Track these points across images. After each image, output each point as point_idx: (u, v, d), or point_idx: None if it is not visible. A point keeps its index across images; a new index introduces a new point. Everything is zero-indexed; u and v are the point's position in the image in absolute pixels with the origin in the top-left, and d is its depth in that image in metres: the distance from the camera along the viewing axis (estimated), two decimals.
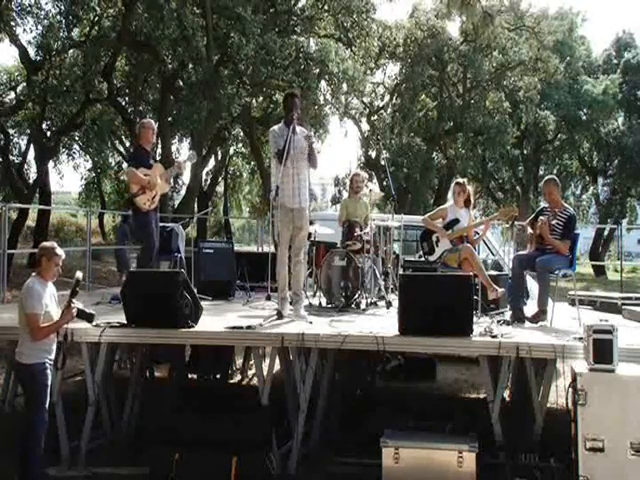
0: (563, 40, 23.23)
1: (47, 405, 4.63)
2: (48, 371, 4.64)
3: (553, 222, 6.13)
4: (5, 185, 17.90)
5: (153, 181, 6.82)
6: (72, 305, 4.68)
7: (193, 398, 6.98)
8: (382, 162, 23.03)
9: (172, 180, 22.60)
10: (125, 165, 20.98)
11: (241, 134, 20.22)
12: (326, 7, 15.62)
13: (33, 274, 4.69)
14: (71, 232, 23.80)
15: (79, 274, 4.75)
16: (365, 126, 24.54)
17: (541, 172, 26.30)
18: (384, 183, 21.69)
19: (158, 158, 14.96)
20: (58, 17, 14.68)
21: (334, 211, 13.31)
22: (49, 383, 4.65)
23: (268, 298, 7.40)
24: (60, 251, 4.71)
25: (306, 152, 6.25)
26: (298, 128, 6.28)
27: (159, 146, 16.56)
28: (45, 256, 4.65)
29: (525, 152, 26.16)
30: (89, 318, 4.92)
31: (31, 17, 14.41)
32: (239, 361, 8.75)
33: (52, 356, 4.73)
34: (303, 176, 6.28)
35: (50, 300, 4.66)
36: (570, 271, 6.27)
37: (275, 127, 6.41)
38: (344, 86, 16.51)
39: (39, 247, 4.80)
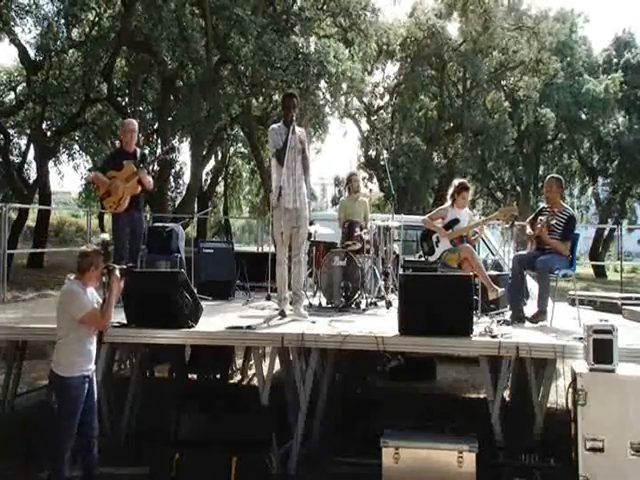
0: (564, 41, 23.21)
1: (77, 420, 4.23)
2: (86, 385, 4.28)
3: (552, 222, 6.13)
4: (5, 185, 17.89)
5: (115, 184, 6.47)
6: (110, 268, 4.37)
7: (193, 398, 6.96)
8: (382, 162, 23.03)
9: (173, 181, 22.54)
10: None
11: (241, 134, 20.21)
12: (325, 8, 15.62)
13: (71, 277, 4.36)
14: (71, 232, 23.79)
15: (105, 235, 4.50)
16: (365, 126, 24.60)
17: (541, 172, 26.31)
18: (384, 183, 21.71)
19: None
20: (57, 17, 14.70)
21: (334, 211, 13.30)
22: (83, 399, 4.26)
23: (268, 298, 7.43)
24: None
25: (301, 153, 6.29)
26: (297, 128, 6.29)
27: (159, 146, 16.56)
28: (93, 265, 4.30)
29: (525, 152, 26.16)
30: (128, 271, 4.67)
31: (30, 17, 14.47)
32: (239, 361, 8.75)
33: (92, 365, 4.39)
34: (301, 175, 6.30)
35: (92, 301, 4.37)
36: (570, 271, 6.26)
37: (275, 125, 6.43)
38: (343, 86, 16.49)
39: (83, 254, 4.34)
